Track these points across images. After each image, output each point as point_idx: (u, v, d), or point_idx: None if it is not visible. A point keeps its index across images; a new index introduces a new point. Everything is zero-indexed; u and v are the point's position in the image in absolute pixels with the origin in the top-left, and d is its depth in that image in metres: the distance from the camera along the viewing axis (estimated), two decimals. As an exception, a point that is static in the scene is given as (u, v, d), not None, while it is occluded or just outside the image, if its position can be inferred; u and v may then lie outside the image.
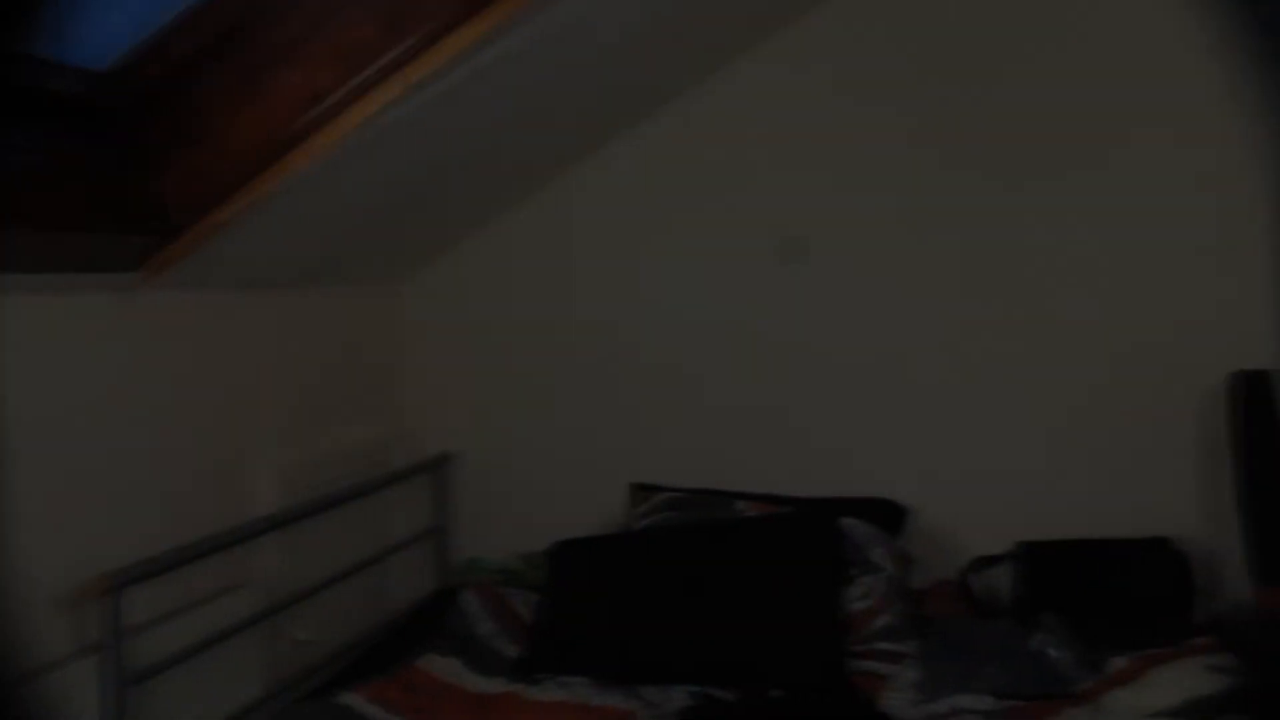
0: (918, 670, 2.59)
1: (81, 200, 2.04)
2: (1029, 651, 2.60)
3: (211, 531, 2.39)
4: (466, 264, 3.40)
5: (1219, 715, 2.25)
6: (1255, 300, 2.87)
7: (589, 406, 3.34)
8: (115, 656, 2.09)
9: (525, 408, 3.39)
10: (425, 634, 2.77)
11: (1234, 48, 0.36)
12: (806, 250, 3.14)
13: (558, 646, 2.68)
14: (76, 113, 2.06)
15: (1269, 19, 0.36)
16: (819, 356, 3.17)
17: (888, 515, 3.00)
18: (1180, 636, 2.63)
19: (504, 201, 3.32)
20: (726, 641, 2.61)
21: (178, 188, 2.16)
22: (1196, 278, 2.94)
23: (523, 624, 2.83)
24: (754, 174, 3.20)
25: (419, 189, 2.91)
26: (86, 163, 2.06)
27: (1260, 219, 2.86)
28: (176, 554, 2.26)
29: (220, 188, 2.16)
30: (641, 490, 3.20)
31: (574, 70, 2.75)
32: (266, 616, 2.60)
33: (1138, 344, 2.95)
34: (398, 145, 2.49)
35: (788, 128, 3.18)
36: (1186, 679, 2.40)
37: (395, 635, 2.87)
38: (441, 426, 3.41)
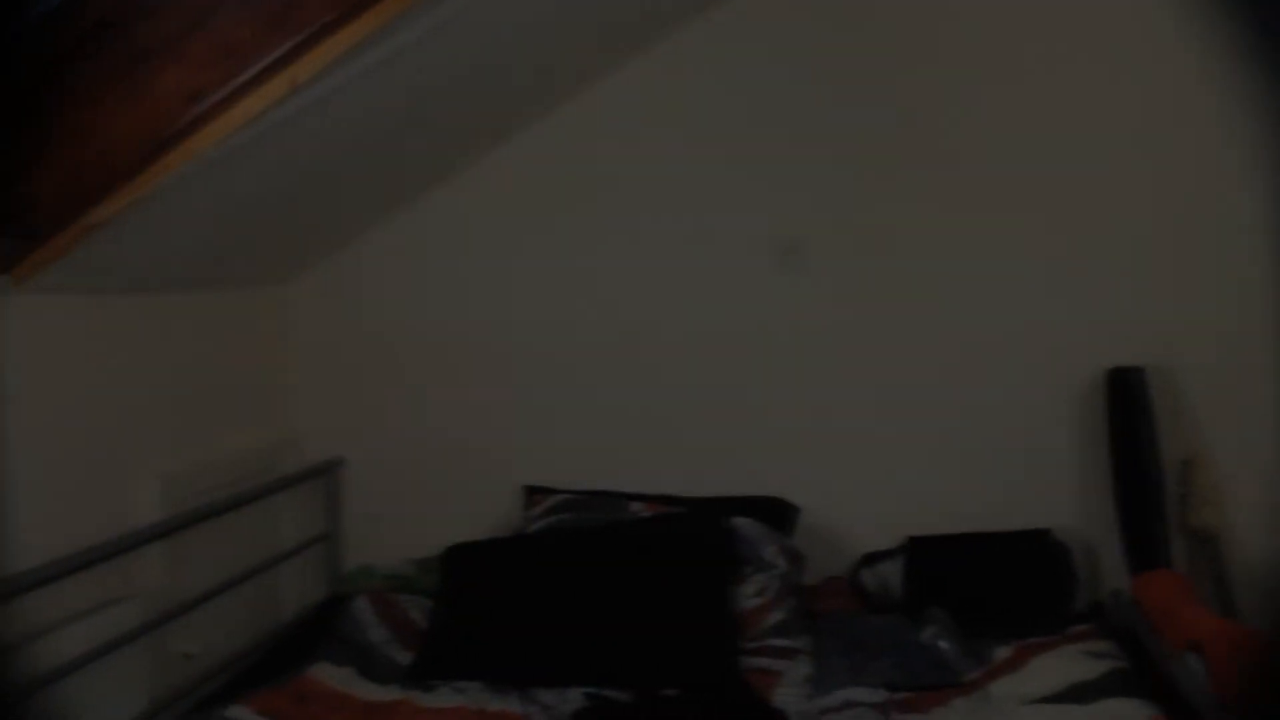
0: (810, 666, 2.63)
1: (-54, 201, 1.95)
2: (917, 644, 2.66)
3: (92, 543, 2.31)
4: (354, 266, 3.34)
5: (1097, 699, 2.30)
6: (1130, 299, 2.98)
7: (480, 409, 3.30)
8: (-10, 674, 2.00)
9: (415, 411, 3.34)
10: (316, 643, 2.70)
11: (1230, 53, 0.37)
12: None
13: (451, 652, 2.65)
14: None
15: (1268, 22, 0.36)
16: (710, 358, 3.19)
17: (779, 514, 3.03)
18: (1061, 625, 2.71)
19: (390, 203, 3.27)
20: (620, 642, 2.61)
21: (50, 188, 2.07)
22: (1074, 279, 3.04)
23: (416, 630, 2.79)
24: (640, 177, 3.21)
25: (303, 191, 2.85)
26: (-49, 162, 1.98)
27: (1137, 221, 2.97)
28: (55, 566, 2.17)
29: (96, 188, 2.07)
30: (534, 493, 3.18)
31: (459, 72, 2.72)
32: (151, 629, 2.52)
33: (1018, 343, 3.04)
34: (281, 146, 2.43)
35: (672, 131, 3.19)
36: (1067, 666, 2.46)
37: (285, 645, 2.80)
38: (330, 431, 3.34)
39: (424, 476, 3.31)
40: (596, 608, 2.67)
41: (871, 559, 3.06)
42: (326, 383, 3.38)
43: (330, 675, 2.54)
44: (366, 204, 3.23)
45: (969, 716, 2.36)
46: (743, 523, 2.90)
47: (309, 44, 1.98)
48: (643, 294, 3.22)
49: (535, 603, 2.71)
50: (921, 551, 2.99)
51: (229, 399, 3.08)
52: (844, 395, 3.15)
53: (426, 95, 2.72)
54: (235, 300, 3.13)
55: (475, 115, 3.09)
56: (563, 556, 2.82)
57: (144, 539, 2.51)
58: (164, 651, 2.62)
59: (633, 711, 2.44)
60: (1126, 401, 2.89)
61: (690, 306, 3.20)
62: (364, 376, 3.36)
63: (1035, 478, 3.06)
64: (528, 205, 3.26)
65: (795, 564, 2.92)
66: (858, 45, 3.10)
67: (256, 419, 3.22)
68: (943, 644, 2.64)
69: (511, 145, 3.24)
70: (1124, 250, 3.00)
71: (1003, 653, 2.62)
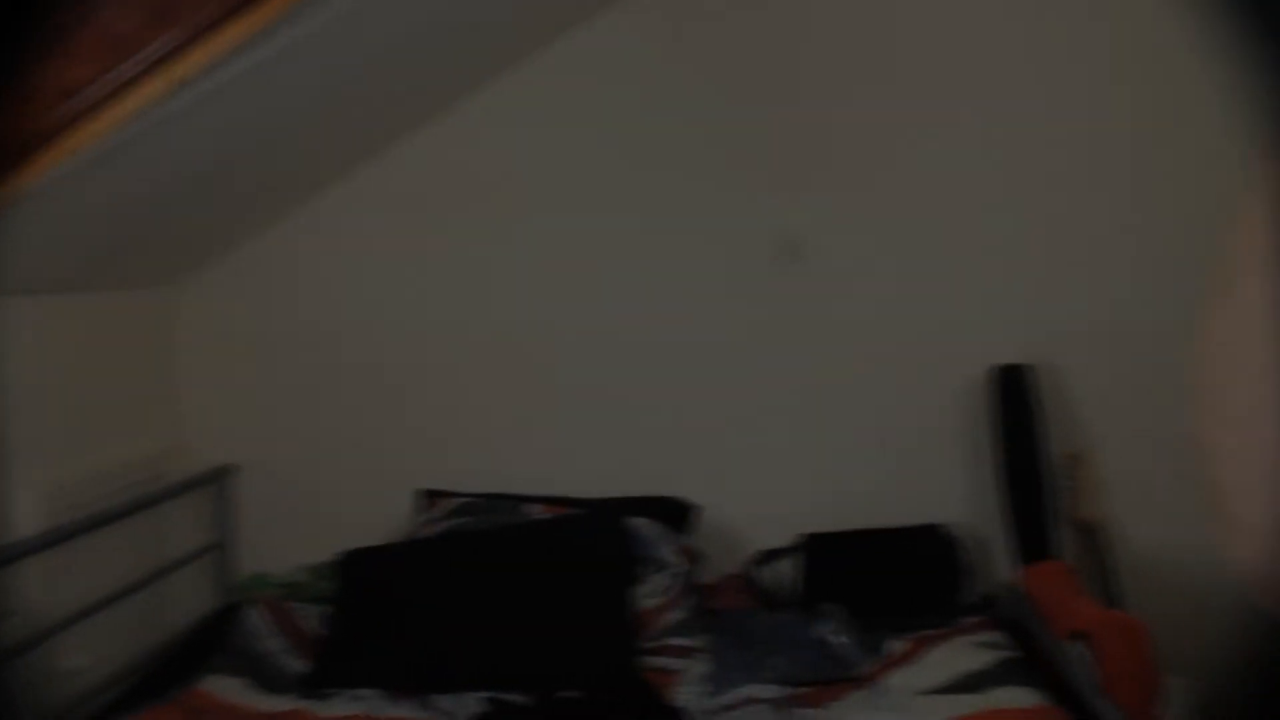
0: (707, 663, 2.64)
1: None
2: (813, 639, 2.69)
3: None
4: (243, 269, 3.26)
5: (989, 688, 2.35)
6: (1016, 299, 3.05)
7: (374, 413, 3.24)
8: None
9: (308, 416, 3.27)
10: (207, 654, 2.62)
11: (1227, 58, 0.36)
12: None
13: (347, 659, 2.60)
14: None
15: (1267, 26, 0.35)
16: (602, 358, 3.18)
17: (674, 513, 3.03)
18: (953, 617, 2.77)
19: (282, 204, 3.20)
20: (518, 646, 2.59)
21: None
22: (962, 279, 3.10)
23: (311, 638, 2.73)
24: (531, 177, 3.19)
25: (191, 191, 2.77)
26: None
27: (1024, 222, 3.04)
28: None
29: (-34, 187, 1.99)
30: (430, 496, 3.13)
31: (351, 73, 2.67)
32: (33, 645, 2.42)
33: (908, 341, 3.08)
34: (167, 145, 2.36)
35: (568, 132, 3.18)
36: (959, 657, 2.52)
37: (174, 658, 2.71)
38: (221, 437, 3.25)
39: (318, 482, 3.24)
40: (494, 611, 2.64)
41: (768, 556, 3.08)
42: (217, 387, 3.28)
43: (222, 687, 2.47)
44: (257, 205, 3.16)
45: (865, 709, 2.39)
46: (640, 523, 2.90)
47: (193, 39, 1.92)
48: (536, 295, 3.20)
49: (432, 608, 2.67)
50: (816, 548, 3.01)
51: (116, 405, 2.98)
52: (738, 394, 3.16)
53: (318, 93, 2.66)
54: (122, 303, 3.03)
55: (366, 116, 3.04)
56: (459, 560, 2.79)
57: (21, 553, 2.41)
58: (50, 667, 2.52)
59: (532, 715, 2.42)
60: (1014, 398, 2.95)
61: (582, 307, 3.18)
62: (255, 380, 3.28)
63: (927, 474, 3.12)
64: (419, 206, 3.21)
65: (693, 563, 2.92)
66: (749, 47, 3.12)
67: (145, 425, 3.12)
68: (839, 639, 2.67)
69: (403, 145, 3.19)
70: (1011, 251, 3.07)
71: (897, 646, 2.66)
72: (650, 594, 2.81)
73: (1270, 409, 0.36)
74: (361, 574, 2.79)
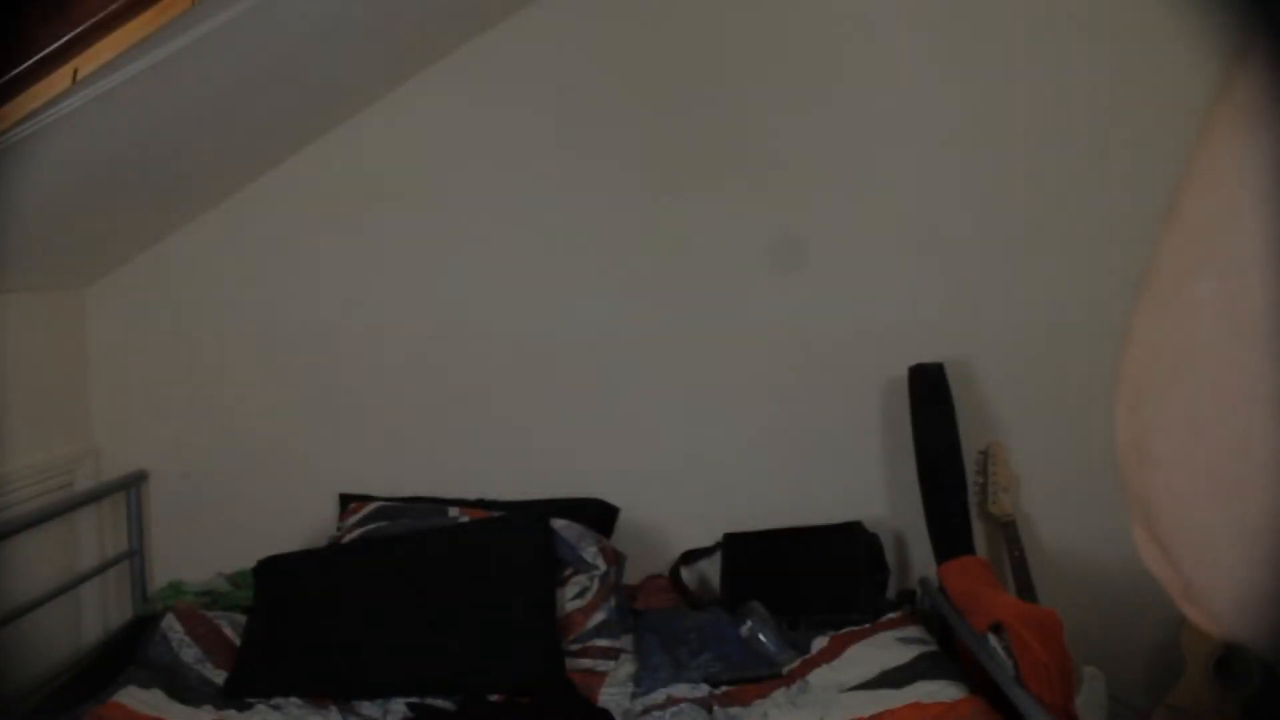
0: (633, 664, 2.64)
1: None
2: (738, 638, 2.70)
3: None
4: (156, 270, 3.16)
5: (910, 682, 2.38)
6: (929, 299, 3.08)
7: (290, 416, 3.18)
8: None
9: (224, 420, 3.18)
10: (122, 666, 2.54)
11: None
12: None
13: (266, 668, 2.55)
14: None
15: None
16: (524, 360, 3.15)
17: (598, 515, 3.02)
18: (874, 614, 2.79)
19: (193, 204, 3.12)
20: (443, 650, 2.56)
21: None
22: (877, 279, 3.12)
23: (229, 647, 2.67)
24: (449, 177, 3.14)
25: (97, 191, 2.68)
26: None
27: (937, 224, 3.07)
28: None
29: None
30: (350, 500, 3.08)
31: (260, 70, 2.61)
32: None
33: (826, 341, 3.10)
34: (69, 143, 2.29)
35: (482, 132, 3.14)
36: (881, 653, 2.54)
37: (88, 671, 2.62)
38: (132, 443, 3.15)
39: (233, 487, 3.16)
40: (416, 616, 2.61)
41: (690, 556, 3.09)
42: (127, 391, 3.18)
43: (137, 699, 2.40)
44: (169, 204, 3.07)
45: (789, 706, 2.41)
46: (562, 524, 2.88)
47: (94, 36, 1.86)
48: (454, 297, 3.16)
49: (353, 613, 2.63)
50: (738, 547, 3.03)
51: (24, 410, 2.87)
52: (658, 396, 3.15)
53: (228, 90, 2.60)
54: (30, 305, 2.92)
55: (277, 115, 2.97)
56: (380, 565, 2.74)
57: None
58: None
59: (457, 719, 2.39)
60: (928, 396, 2.98)
61: (501, 310, 3.15)
62: (167, 384, 3.18)
63: (845, 472, 3.14)
64: (334, 206, 3.14)
65: (616, 564, 2.91)
66: (663, 46, 3.11)
67: (54, 430, 3.01)
68: (762, 637, 2.68)
69: (319, 144, 3.12)
70: (927, 251, 3.10)
71: (820, 643, 2.67)
72: (573, 596, 2.80)
73: (1224, 415, 0.34)
74: (279, 581, 2.73)
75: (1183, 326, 0.36)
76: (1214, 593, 0.37)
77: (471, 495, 3.05)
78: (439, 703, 2.47)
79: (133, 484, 3.08)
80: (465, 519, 2.93)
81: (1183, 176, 0.37)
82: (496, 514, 2.96)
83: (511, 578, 2.69)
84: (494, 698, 2.48)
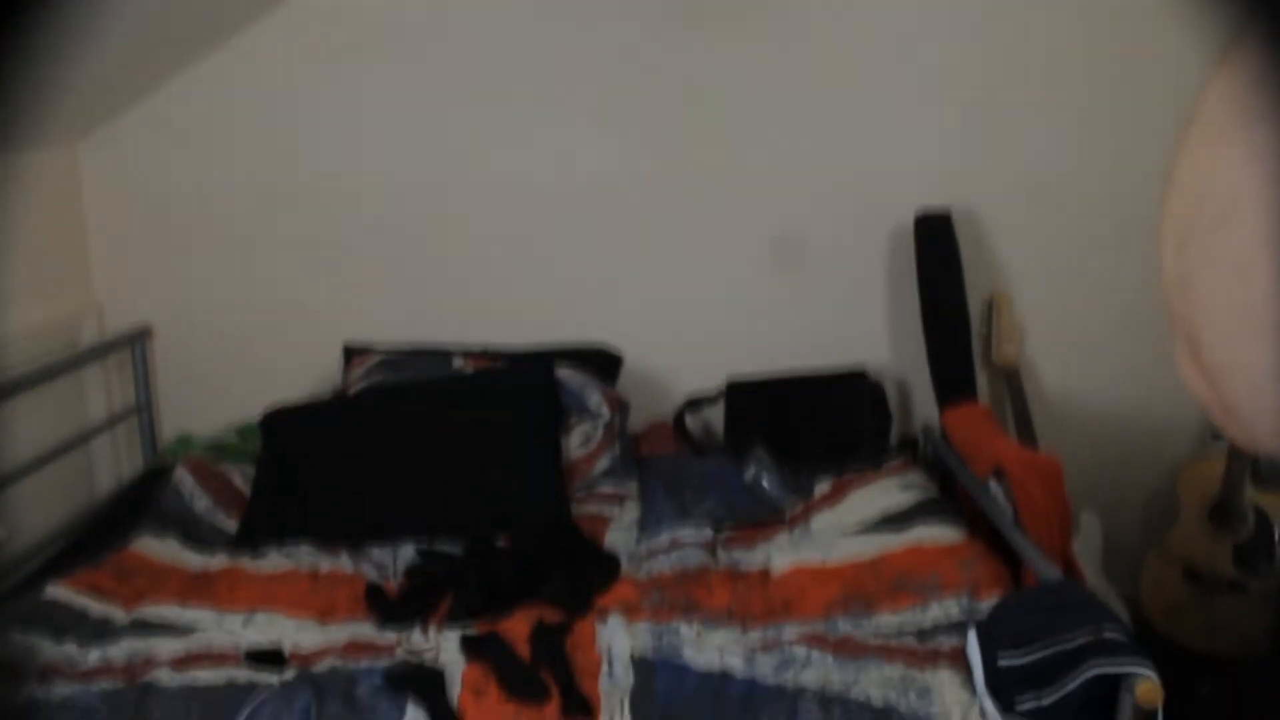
0: (637, 509, 2.69)
1: None
2: (741, 483, 2.74)
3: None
4: (151, 122, 3.09)
5: (910, 526, 2.43)
6: (938, 145, 3.04)
7: (295, 268, 3.15)
8: None
9: (227, 273, 3.16)
10: (136, 517, 2.60)
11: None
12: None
13: (278, 516, 2.60)
14: None
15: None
16: (528, 207, 3.11)
17: (602, 362, 3.03)
18: (876, 459, 2.83)
19: (187, 53, 3.04)
20: (451, 497, 2.60)
21: None
22: (887, 123, 3.06)
23: (240, 497, 2.73)
24: (444, 25, 3.05)
25: (87, 38, 2.62)
26: None
27: (944, 69, 3.00)
28: None
29: None
30: (355, 352, 3.09)
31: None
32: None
33: (833, 185, 3.06)
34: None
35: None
36: (882, 497, 2.58)
37: (103, 523, 2.67)
38: (135, 298, 3.14)
39: (238, 340, 3.16)
40: (424, 463, 2.64)
41: (694, 403, 3.12)
42: (127, 247, 3.16)
43: (152, 548, 2.47)
44: (159, 54, 2.99)
45: (791, 549, 2.46)
46: (566, 373, 2.90)
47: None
48: (458, 144, 3.09)
49: (361, 462, 2.67)
50: (742, 394, 3.05)
51: (23, 269, 2.86)
52: (662, 242, 3.13)
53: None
54: (24, 163, 2.88)
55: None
56: (386, 414, 2.77)
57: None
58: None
59: (465, 562, 2.45)
60: (934, 244, 2.97)
61: (505, 156, 3.09)
62: (167, 238, 3.15)
63: (850, 319, 3.14)
64: (332, 52, 3.05)
65: (620, 411, 2.95)
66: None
67: (55, 289, 3.01)
68: (765, 482, 2.73)
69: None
70: (934, 97, 3.04)
71: (822, 487, 2.72)
72: (580, 443, 2.84)
73: (1268, 262, 0.36)
74: (286, 432, 2.77)
75: (1231, 177, 0.38)
76: (1255, 420, 0.40)
77: (476, 345, 3.06)
78: (447, 548, 2.53)
79: (137, 339, 3.09)
80: (469, 369, 2.95)
81: (1235, 32, 0.38)
82: (500, 363, 2.97)
83: (517, 425, 2.73)
84: (501, 541, 2.54)
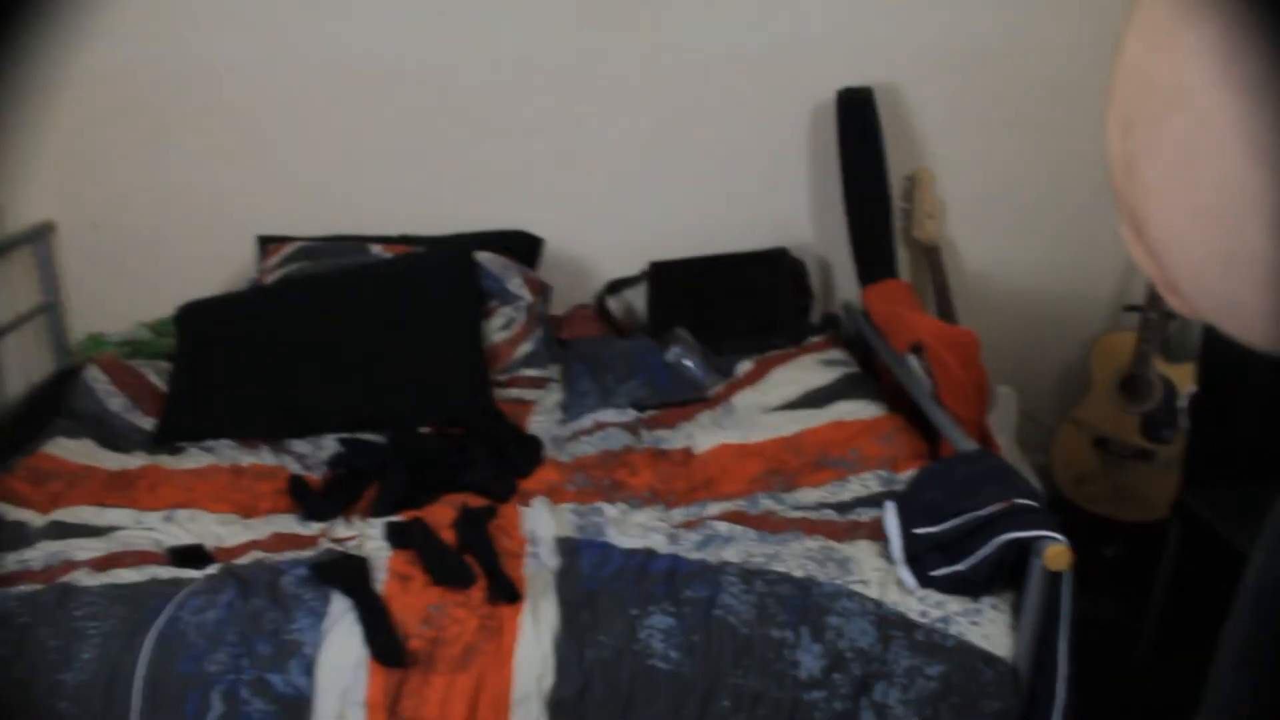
0: (561, 392, 2.70)
1: None
2: (663, 364, 2.75)
3: None
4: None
5: (832, 402, 2.47)
6: (858, 21, 2.99)
7: (204, 158, 3.03)
8: None
9: (134, 164, 3.04)
10: (48, 419, 2.54)
11: None
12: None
13: (197, 412, 2.56)
14: None
15: None
16: (441, 91, 3.02)
17: (522, 246, 3.01)
18: (798, 338, 2.86)
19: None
20: (372, 386, 2.58)
21: None
22: (807, 1, 3.00)
23: (156, 394, 2.67)
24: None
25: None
26: None
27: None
28: None
29: None
30: (270, 242, 3.01)
31: None
32: None
33: (753, 64, 3.01)
34: None
35: None
36: (803, 375, 2.61)
37: (13, 424, 2.60)
38: (37, 195, 3.01)
39: (147, 234, 3.06)
40: (343, 353, 2.61)
41: (616, 286, 3.12)
42: (32, 137, 3.01)
43: (67, 449, 2.42)
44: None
45: (714, 428, 2.48)
46: (486, 257, 2.87)
47: None
48: (370, 26, 2.97)
49: (279, 354, 2.62)
50: (663, 276, 3.05)
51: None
52: (580, 124, 3.06)
53: None
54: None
55: None
56: (304, 304, 2.72)
57: None
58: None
59: (390, 451, 2.43)
60: (855, 121, 2.95)
61: (414, 39, 2.97)
62: (73, 128, 2.99)
63: (772, 199, 3.12)
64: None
65: (541, 295, 2.93)
66: None
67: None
68: (688, 362, 2.74)
69: None
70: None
71: (744, 367, 2.74)
72: (500, 327, 2.83)
73: (1211, 154, 0.37)
74: (202, 326, 2.71)
75: (1178, 67, 0.38)
76: (1197, 299, 0.42)
77: (393, 232, 3.00)
78: (371, 437, 2.51)
79: (39, 236, 2.99)
80: (388, 255, 2.90)
81: None
82: (418, 249, 2.93)
83: (437, 311, 2.70)
84: (425, 429, 2.53)
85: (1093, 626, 1.84)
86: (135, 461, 2.42)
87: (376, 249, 2.93)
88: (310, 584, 1.85)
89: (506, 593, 1.82)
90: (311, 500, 2.25)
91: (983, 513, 1.73)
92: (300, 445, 2.50)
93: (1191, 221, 0.39)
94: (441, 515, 2.08)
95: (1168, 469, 2.86)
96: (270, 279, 2.88)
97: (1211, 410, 2.35)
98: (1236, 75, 0.36)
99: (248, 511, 2.22)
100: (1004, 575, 1.73)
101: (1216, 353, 2.29)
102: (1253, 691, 0.60)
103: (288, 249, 2.95)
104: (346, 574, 1.87)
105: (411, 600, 1.82)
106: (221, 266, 3.04)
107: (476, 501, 2.15)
